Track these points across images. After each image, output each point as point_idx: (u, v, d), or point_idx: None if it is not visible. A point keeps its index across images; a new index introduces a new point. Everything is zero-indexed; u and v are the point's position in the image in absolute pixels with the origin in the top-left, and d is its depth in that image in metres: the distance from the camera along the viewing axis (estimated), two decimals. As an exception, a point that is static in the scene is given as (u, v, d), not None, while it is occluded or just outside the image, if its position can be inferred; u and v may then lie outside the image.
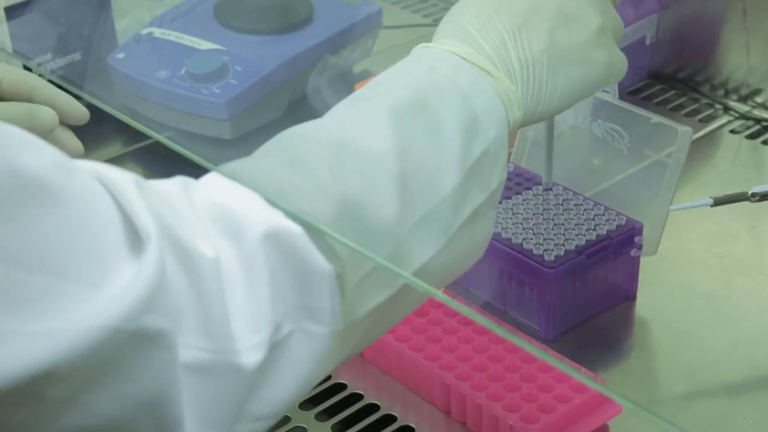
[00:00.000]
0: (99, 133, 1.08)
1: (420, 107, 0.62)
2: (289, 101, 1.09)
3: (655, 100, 1.11)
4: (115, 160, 1.05)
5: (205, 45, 1.07)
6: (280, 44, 1.08)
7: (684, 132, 0.81)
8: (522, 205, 0.85)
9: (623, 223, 0.83)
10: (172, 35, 1.08)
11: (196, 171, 1.03)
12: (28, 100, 0.76)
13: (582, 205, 0.85)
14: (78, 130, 1.09)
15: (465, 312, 0.55)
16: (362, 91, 0.65)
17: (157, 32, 1.08)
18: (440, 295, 0.58)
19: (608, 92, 0.86)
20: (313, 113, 1.09)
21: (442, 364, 0.76)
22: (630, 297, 0.86)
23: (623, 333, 0.84)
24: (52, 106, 0.76)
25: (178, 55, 1.05)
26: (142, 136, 1.07)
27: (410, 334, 0.79)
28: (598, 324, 0.84)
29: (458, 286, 0.85)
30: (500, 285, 0.84)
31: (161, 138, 0.68)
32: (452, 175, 0.61)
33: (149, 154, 1.06)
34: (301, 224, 0.54)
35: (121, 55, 1.07)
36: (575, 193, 0.86)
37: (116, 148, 1.07)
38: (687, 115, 1.09)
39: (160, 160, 1.05)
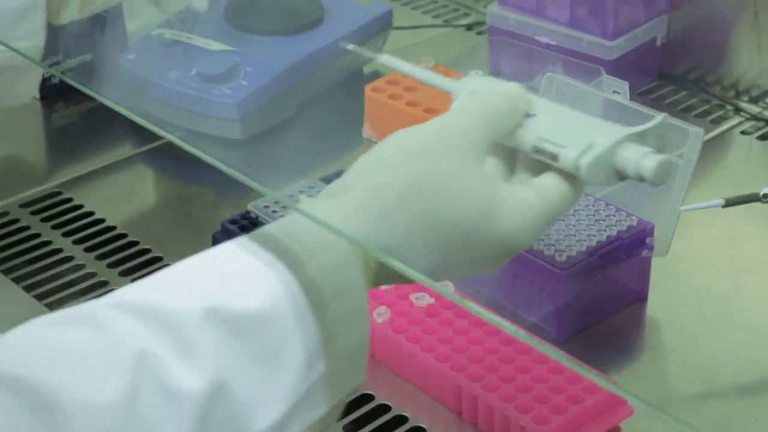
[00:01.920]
0: (109, 134, 1.09)
1: (264, 323, 0.54)
2: (300, 102, 1.09)
3: (666, 101, 1.11)
4: (126, 162, 1.05)
5: (215, 46, 1.07)
6: (290, 45, 1.08)
7: (695, 133, 0.81)
8: (533, 205, 0.85)
9: (634, 224, 0.83)
10: (183, 36, 1.08)
11: (206, 172, 1.03)
12: None
13: (593, 206, 0.85)
14: (88, 132, 1.09)
15: (478, 313, 0.55)
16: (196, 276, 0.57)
17: (168, 33, 1.08)
18: (452, 296, 0.58)
19: (619, 93, 0.86)
20: (324, 114, 1.11)
21: (453, 365, 0.76)
22: (641, 298, 0.86)
23: (634, 334, 0.84)
24: None
25: (188, 56, 1.06)
26: (153, 138, 1.07)
27: (422, 334, 0.79)
28: (609, 325, 0.84)
29: (468, 287, 0.85)
30: (511, 286, 0.84)
31: (173, 138, 0.68)
32: (276, 406, 0.54)
33: (160, 155, 1.06)
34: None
35: (132, 56, 1.07)
36: (586, 194, 0.86)
37: (127, 150, 1.07)
38: (698, 116, 1.09)
39: (171, 161, 1.06)
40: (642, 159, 0.64)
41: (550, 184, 0.65)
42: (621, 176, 0.65)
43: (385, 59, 0.76)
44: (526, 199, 0.64)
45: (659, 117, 0.67)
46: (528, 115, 0.67)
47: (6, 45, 0.90)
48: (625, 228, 0.83)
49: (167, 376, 0.51)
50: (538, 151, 0.66)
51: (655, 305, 0.85)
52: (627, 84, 0.85)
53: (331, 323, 0.56)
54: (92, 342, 0.51)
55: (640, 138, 0.65)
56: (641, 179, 0.65)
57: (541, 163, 0.66)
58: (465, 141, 0.64)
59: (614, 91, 0.86)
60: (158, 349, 0.52)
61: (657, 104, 1.10)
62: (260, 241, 0.57)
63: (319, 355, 0.55)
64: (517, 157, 0.68)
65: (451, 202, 0.61)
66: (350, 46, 0.80)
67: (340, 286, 0.57)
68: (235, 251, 0.57)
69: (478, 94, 0.69)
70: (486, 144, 0.65)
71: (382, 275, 0.62)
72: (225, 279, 0.56)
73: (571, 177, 0.65)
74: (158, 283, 0.56)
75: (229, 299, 0.54)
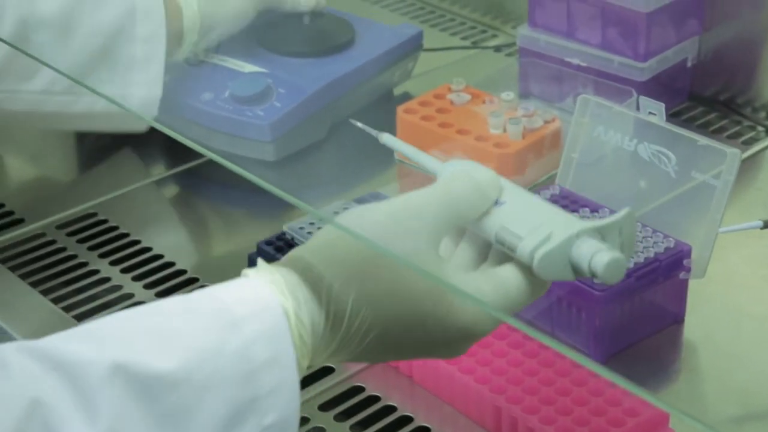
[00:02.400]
0: (141, 155, 1.10)
1: (175, 385, 0.54)
2: (331, 123, 1.09)
3: (697, 122, 1.11)
4: (160, 183, 1.06)
5: (248, 68, 1.07)
6: (322, 67, 1.09)
7: (732, 154, 0.81)
8: (569, 227, 0.85)
9: (671, 246, 0.83)
10: (216, 58, 1.09)
11: (239, 194, 1.04)
12: None
13: (629, 227, 0.85)
14: (122, 154, 1.10)
15: (525, 329, 0.55)
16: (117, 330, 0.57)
17: (201, 55, 1.09)
18: (501, 315, 0.58)
19: (655, 114, 0.86)
20: (355, 135, 1.11)
21: (492, 387, 0.76)
22: (678, 320, 0.85)
23: (671, 356, 0.84)
24: None
25: (222, 77, 1.06)
26: (184, 159, 1.08)
27: (460, 356, 0.79)
28: (646, 347, 0.84)
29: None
30: (548, 307, 0.84)
31: (218, 158, 0.69)
32: None
33: (193, 176, 1.07)
34: None
35: (165, 78, 1.08)
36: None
37: (159, 170, 1.08)
38: (729, 137, 1.09)
39: (205, 183, 1.07)
40: (595, 255, 0.62)
41: (509, 275, 0.64)
42: (576, 272, 0.63)
43: (387, 139, 0.76)
44: (482, 291, 0.63)
45: (623, 211, 0.64)
46: (497, 203, 0.65)
47: (109, 98, 0.93)
48: (662, 249, 0.83)
49: (58, 427, 0.51)
50: (499, 241, 0.64)
51: (692, 327, 0.85)
52: (663, 105, 0.86)
53: (254, 393, 0.56)
54: None
55: (601, 232, 0.63)
56: (593, 276, 0.63)
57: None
58: (421, 224, 0.63)
59: (650, 113, 0.86)
60: (54, 399, 0.52)
61: (688, 125, 1.10)
62: (201, 299, 0.58)
63: (238, 424, 0.55)
64: (491, 247, 0.67)
65: (398, 284, 0.61)
66: (358, 124, 0.80)
67: (268, 355, 0.57)
68: (174, 307, 0.58)
69: (447, 178, 0.67)
70: (443, 229, 0.64)
71: (323, 354, 0.61)
72: (146, 334, 0.56)
73: (531, 271, 0.63)
74: (80, 333, 0.56)
75: (141, 355, 0.54)
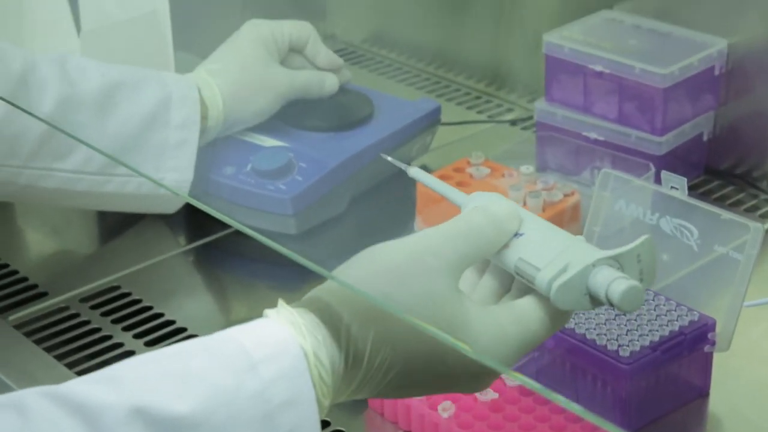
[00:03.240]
0: (160, 229, 1.10)
1: (193, 427, 0.55)
2: (351, 197, 1.10)
3: (714, 196, 1.12)
4: (180, 256, 1.06)
5: (269, 142, 1.09)
6: (342, 141, 1.10)
7: (756, 228, 0.82)
8: (593, 300, 0.86)
9: (696, 319, 0.83)
10: (237, 132, 1.10)
11: (258, 267, 1.04)
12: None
13: (653, 300, 0.85)
14: (142, 226, 1.11)
15: (555, 399, 0.55)
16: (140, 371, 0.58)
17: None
18: (533, 385, 0.59)
19: (677, 188, 0.87)
20: (374, 208, 1.12)
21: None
22: (703, 393, 0.85)
23: (697, 430, 0.84)
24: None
25: (243, 151, 1.07)
26: (204, 233, 1.08)
27: (487, 430, 0.79)
28: (670, 421, 0.84)
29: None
30: (573, 380, 0.84)
31: (241, 227, 0.70)
32: None
33: (213, 249, 1.07)
34: None
35: (187, 152, 1.09)
36: (645, 290, 0.86)
37: (180, 243, 1.08)
38: (746, 210, 1.10)
39: (225, 256, 1.07)
40: (612, 283, 0.63)
41: (528, 307, 0.64)
42: (594, 301, 0.64)
43: (415, 172, 0.78)
44: (501, 324, 0.63)
45: (640, 238, 0.65)
46: (516, 234, 0.66)
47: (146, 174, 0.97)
48: (686, 323, 0.83)
49: None
50: (518, 272, 0.65)
51: (717, 401, 0.85)
52: (685, 180, 0.86)
53: None
54: (12, 427, 0.53)
55: (618, 260, 0.64)
56: (611, 304, 0.63)
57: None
58: (438, 261, 0.63)
59: (672, 187, 0.87)
60: None
61: (705, 199, 1.11)
62: (221, 341, 0.59)
63: None
64: (513, 278, 0.68)
65: (417, 325, 0.61)
66: (389, 158, 0.82)
67: (287, 396, 0.58)
68: (193, 349, 0.59)
69: (466, 213, 0.68)
70: (462, 265, 0.64)
71: (344, 392, 0.62)
72: (165, 377, 0.57)
73: (551, 302, 0.64)
74: (99, 376, 0.57)
75: (159, 398, 0.55)
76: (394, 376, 0.61)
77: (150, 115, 1.00)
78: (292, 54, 1.11)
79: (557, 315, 0.65)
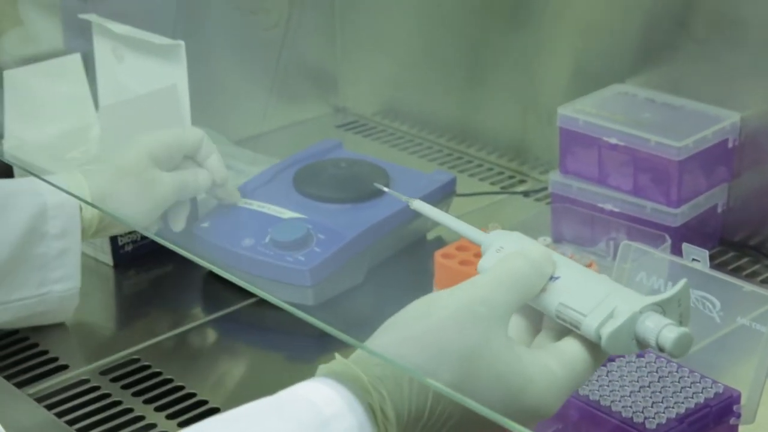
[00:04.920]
0: (179, 301, 1.11)
1: None
2: (369, 268, 1.10)
3: (729, 267, 1.13)
4: (196, 329, 1.06)
5: (287, 214, 1.09)
6: (359, 212, 1.11)
7: (779, 300, 0.82)
8: (616, 371, 0.86)
9: (721, 391, 0.83)
10: (255, 204, 1.11)
11: (276, 338, 1.04)
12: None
13: (677, 372, 0.86)
14: (161, 299, 1.11)
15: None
16: None
17: (240, 201, 1.11)
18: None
19: (699, 261, 0.88)
20: (391, 279, 1.12)
21: None
22: (729, 465, 0.85)
23: (723, 502, 0.84)
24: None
25: (262, 223, 1.08)
26: (221, 305, 1.09)
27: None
28: (697, 493, 0.83)
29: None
30: (598, 453, 0.83)
31: (277, 301, 0.70)
32: None
33: (231, 321, 1.07)
34: None
35: (205, 224, 1.10)
36: (668, 361, 0.87)
37: (197, 316, 1.08)
38: (763, 281, 1.10)
39: (243, 328, 1.07)
40: (663, 330, 0.65)
41: (574, 351, 0.66)
42: (642, 345, 0.66)
43: (418, 204, 0.82)
44: (551, 368, 0.65)
45: (680, 284, 0.68)
46: (552, 278, 0.68)
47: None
48: (712, 395, 0.83)
49: None
50: (560, 317, 0.67)
51: (743, 473, 0.85)
52: (707, 252, 0.87)
53: None
54: None
55: (661, 306, 0.67)
56: (661, 350, 0.65)
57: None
58: (490, 310, 0.65)
59: (694, 259, 0.88)
60: None
61: (721, 270, 1.10)
62: (291, 400, 0.61)
63: None
64: (543, 316, 0.70)
65: (472, 374, 0.63)
66: (385, 189, 0.89)
67: None
68: (265, 409, 0.61)
69: (505, 258, 0.69)
70: (511, 311, 0.66)
71: None
72: None
73: (593, 343, 0.66)
74: None
75: None
76: (451, 426, 0.63)
77: (26, 230, 0.97)
78: (186, 160, 1.08)
79: (599, 356, 0.67)
